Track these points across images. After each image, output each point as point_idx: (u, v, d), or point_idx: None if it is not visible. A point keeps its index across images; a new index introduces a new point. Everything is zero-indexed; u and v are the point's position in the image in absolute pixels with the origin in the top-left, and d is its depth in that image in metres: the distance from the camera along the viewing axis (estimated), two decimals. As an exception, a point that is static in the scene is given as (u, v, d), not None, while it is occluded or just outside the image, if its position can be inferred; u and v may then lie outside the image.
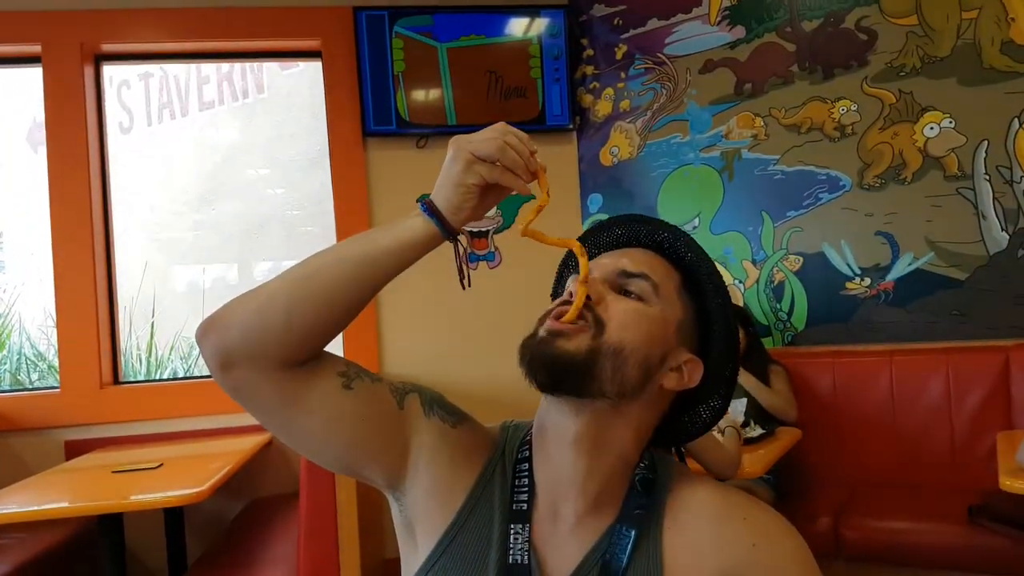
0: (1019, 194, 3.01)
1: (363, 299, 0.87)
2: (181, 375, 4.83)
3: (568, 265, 1.03)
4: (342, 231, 3.65)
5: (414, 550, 0.93)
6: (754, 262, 3.50)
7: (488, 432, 0.99)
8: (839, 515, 2.81)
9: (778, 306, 3.45)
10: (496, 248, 3.73)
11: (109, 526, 2.42)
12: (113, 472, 2.70)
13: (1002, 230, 3.03)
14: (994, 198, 3.05)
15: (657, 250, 0.96)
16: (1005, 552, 2.46)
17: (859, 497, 2.95)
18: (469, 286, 0.92)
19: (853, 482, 3.10)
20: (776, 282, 3.46)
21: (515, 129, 0.85)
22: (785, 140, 3.43)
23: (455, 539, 0.90)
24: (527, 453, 0.94)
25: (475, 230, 3.74)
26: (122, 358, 3.68)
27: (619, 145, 3.77)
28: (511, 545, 0.88)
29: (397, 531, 0.96)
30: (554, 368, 0.84)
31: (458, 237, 0.88)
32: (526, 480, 0.92)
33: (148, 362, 4.77)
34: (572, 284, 0.89)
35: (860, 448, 3.16)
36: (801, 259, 3.41)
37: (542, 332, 0.87)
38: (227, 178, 4.38)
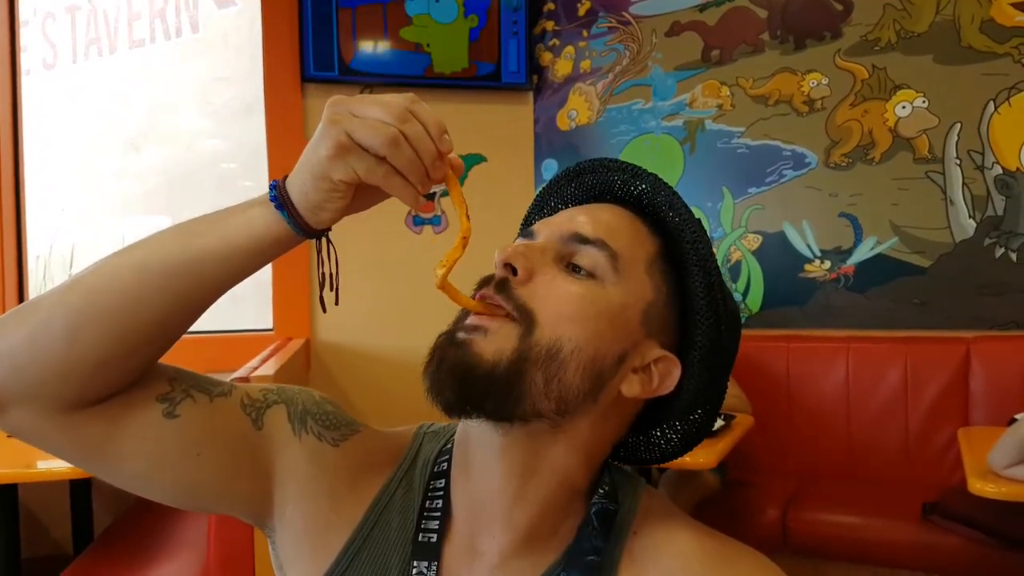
0: (990, 181, 2.90)
1: (180, 317, 0.63)
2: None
3: (529, 222, 0.79)
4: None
5: None
6: (711, 240, 3.34)
7: (395, 442, 0.77)
8: (787, 507, 2.71)
9: (733, 286, 3.31)
10: (443, 212, 3.50)
11: (2, 496, 2.23)
12: (9, 436, 2.47)
13: (969, 217, 2.92)
14: (963, 184, 2.93)
15: (635, 207, 0.72)
16: (958, 552, 2.38)
17: (809, 489, 2.84)
18: (336, 304, 0.67)
19: (803, 473, 2.99)
20: (732, 261, 3.31)
21: (426, 110, 0.59)
22: (751, 112, 3.26)
23: None
24: (445, 467, 0.72)
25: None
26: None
27: (577, 108, 3.56)
28: None
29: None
30: (464, 383, 0.61)
31: (325, 236, 0.64)
32: (440, 503, 0.71)
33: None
34: (498, 255, 0.66)
35: (812, 438, 3.05)
36: (760, 238, 3.26)
37: (458, 333, 0.64)
38: (156, 122, 4.07)
